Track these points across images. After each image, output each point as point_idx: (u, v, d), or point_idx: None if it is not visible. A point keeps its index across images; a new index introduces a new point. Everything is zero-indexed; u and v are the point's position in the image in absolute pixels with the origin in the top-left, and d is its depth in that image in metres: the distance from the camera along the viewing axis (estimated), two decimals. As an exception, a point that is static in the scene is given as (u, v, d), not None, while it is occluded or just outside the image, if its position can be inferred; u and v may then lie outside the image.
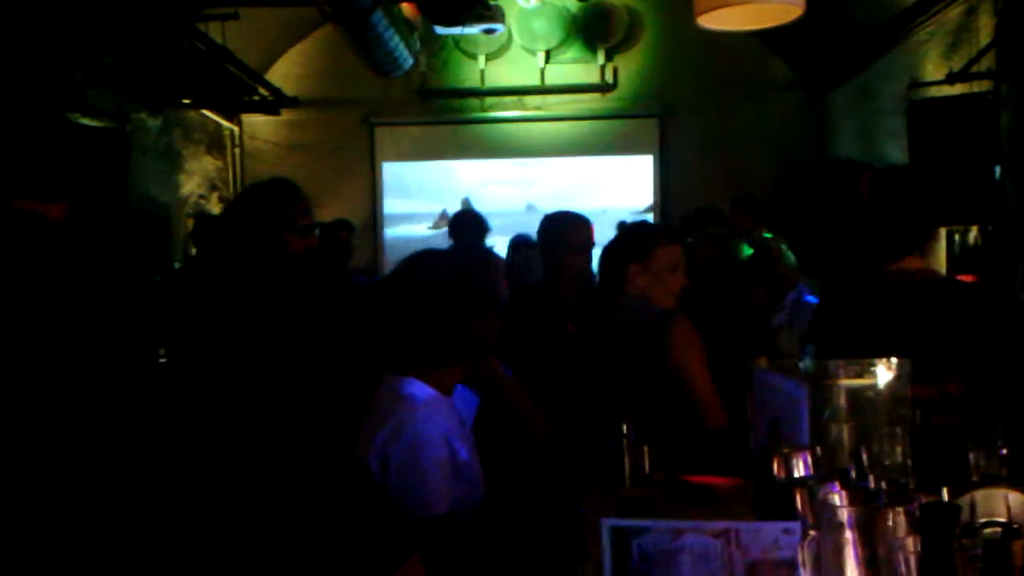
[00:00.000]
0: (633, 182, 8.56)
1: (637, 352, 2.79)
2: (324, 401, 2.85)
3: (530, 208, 8.28)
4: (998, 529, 1.46)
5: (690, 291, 3.11)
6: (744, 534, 1.32)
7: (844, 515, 1.23)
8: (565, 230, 3.89)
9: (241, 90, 7.59)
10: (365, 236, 8.42)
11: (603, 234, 3.69)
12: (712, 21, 2.07)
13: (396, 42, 5.88)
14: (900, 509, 1.23)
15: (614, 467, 1.98)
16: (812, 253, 2.67)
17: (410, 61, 6.61)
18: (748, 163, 7.80)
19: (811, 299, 4.74)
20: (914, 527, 1.23)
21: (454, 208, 7.67)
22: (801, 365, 2.15)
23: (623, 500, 1.90)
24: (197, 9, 6.28)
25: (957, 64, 5.32)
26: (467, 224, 5.40)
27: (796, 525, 1.29)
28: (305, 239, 2.95)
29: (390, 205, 8.67)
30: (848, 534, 1.23)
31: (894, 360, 1.94)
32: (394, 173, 8.71)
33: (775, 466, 1.58)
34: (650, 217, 8.28)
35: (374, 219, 8.64)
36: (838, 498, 1.26)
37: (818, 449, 1.73)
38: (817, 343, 2.39)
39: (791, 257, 4.67)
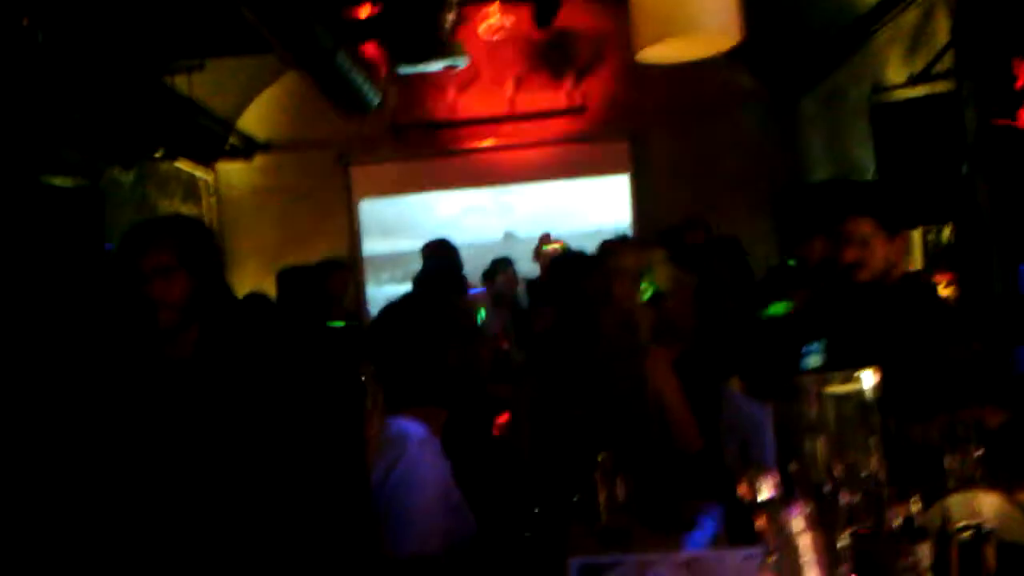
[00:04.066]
0: (610, 202, 8.57)
1: (617, 382, 2.82)
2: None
3: (508, 236, 8.30)
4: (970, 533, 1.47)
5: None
6: (708, 562, 1.32)
7: (800, 538, 1.23)
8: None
9: (213, 139, 7.59)
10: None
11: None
12: (651, 56, 2.10)
13: (362, 82, 5.91)
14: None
15: (590, 499, 1.98)
16: None
17: (377, 100, 6.63)
18: (721, 176, 7.84)
19: None
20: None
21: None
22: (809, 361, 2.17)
23: (598, 532, 1.89)
24: (163, 63, 6.30)
25: (918, 66, 5.36)
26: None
27: (757, 552, 1.30)
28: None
29: (369, 244, 8.67)
30: (806, 557, 1.23)
31: (864, 372, 1.95)
32: (372, 210, 8.71)
33: (741, 488, 1.58)
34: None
35: (353, 259, 8.63)
36: (795, 522, 1.26)
37: (791, 465, 1.73)
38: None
39: None
